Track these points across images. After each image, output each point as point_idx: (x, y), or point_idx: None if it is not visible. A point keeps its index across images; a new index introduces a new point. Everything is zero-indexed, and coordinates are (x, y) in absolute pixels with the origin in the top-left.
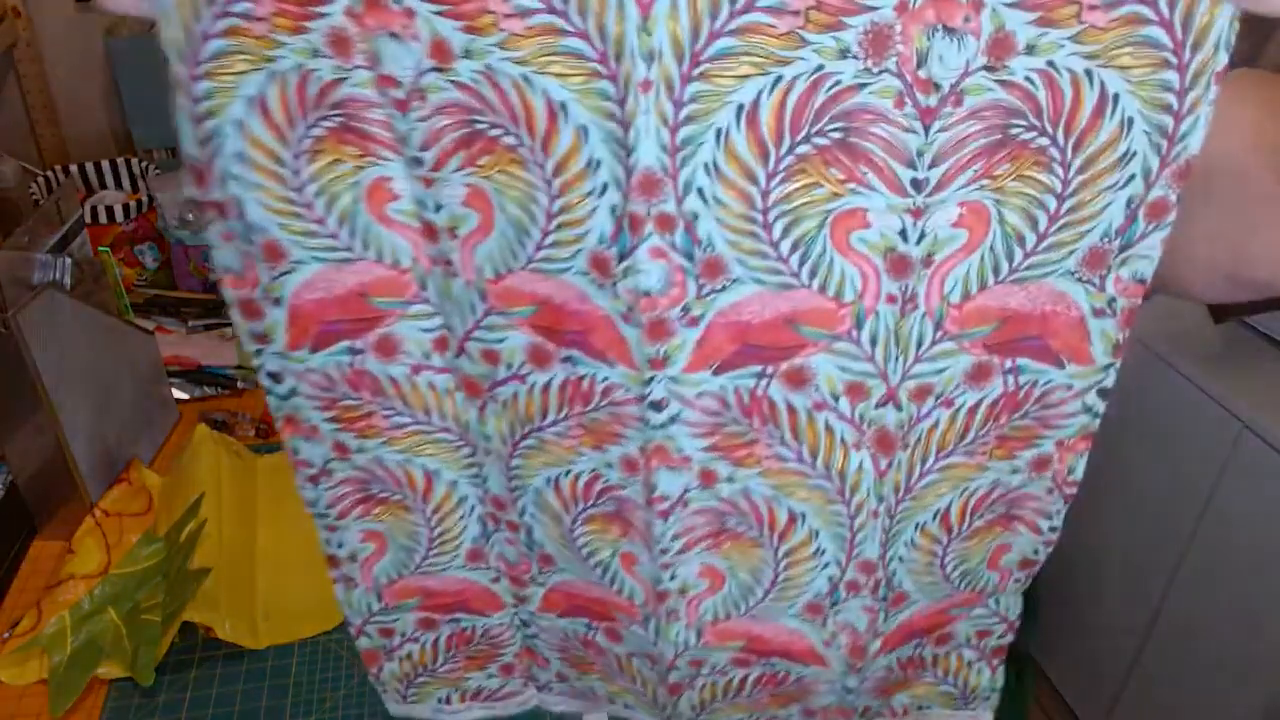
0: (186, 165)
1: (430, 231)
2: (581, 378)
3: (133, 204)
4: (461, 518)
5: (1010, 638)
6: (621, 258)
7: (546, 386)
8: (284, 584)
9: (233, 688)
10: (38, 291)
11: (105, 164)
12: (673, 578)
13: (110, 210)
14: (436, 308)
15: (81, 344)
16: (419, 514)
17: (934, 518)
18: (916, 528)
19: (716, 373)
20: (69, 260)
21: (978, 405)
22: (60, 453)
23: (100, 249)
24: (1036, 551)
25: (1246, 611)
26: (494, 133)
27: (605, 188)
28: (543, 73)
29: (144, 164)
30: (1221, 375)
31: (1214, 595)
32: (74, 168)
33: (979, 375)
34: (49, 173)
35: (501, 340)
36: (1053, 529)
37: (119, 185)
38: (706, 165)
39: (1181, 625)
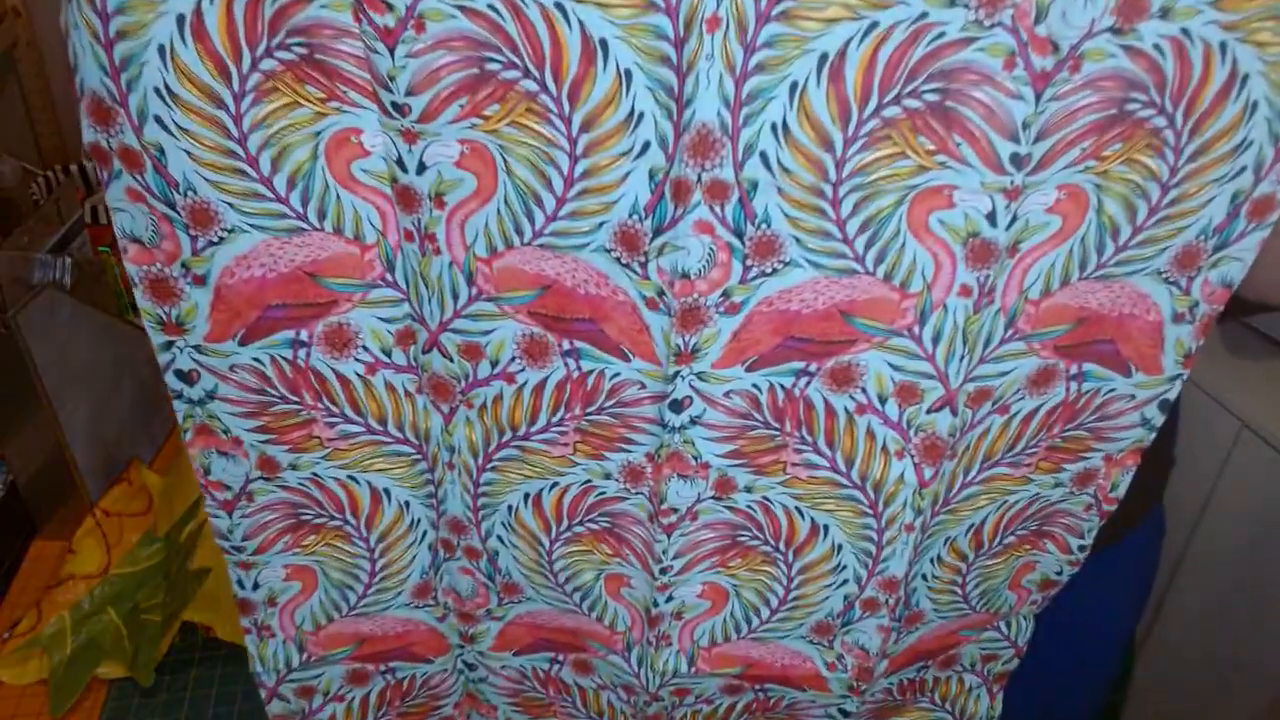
0: (85, 99)
1: (408, 198)
2: (586, 374)
3: None
4: (411, 544)
5: (1016, 663)
6: (658, 231)
7: (540, 386)
8: None
9: (233, 688)
10: (38, 291)
11: None
12: (669, 599)
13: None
14: (404, 293)
15: (81, 344)
16: (360, 543)
17: (966, 533)
18: (946, 543)
19: (751, 369)
20: (69, 260)
21: (1034, 413)
22: (60, 453)
23: (100, 249)
24: (1060, 572)
25: (1247, 611)
26: (509, 75)
27: (646, 147)
28: (583, 1)
29: None
30: (1221, 375)
31: (1214, 594)
32: (74, 168)
33: (1041, 380)
34: (49, 173)
35: (488, 332)
36: (1082, 548)
37: None
38: (775, 125)
39: (1182, 625)
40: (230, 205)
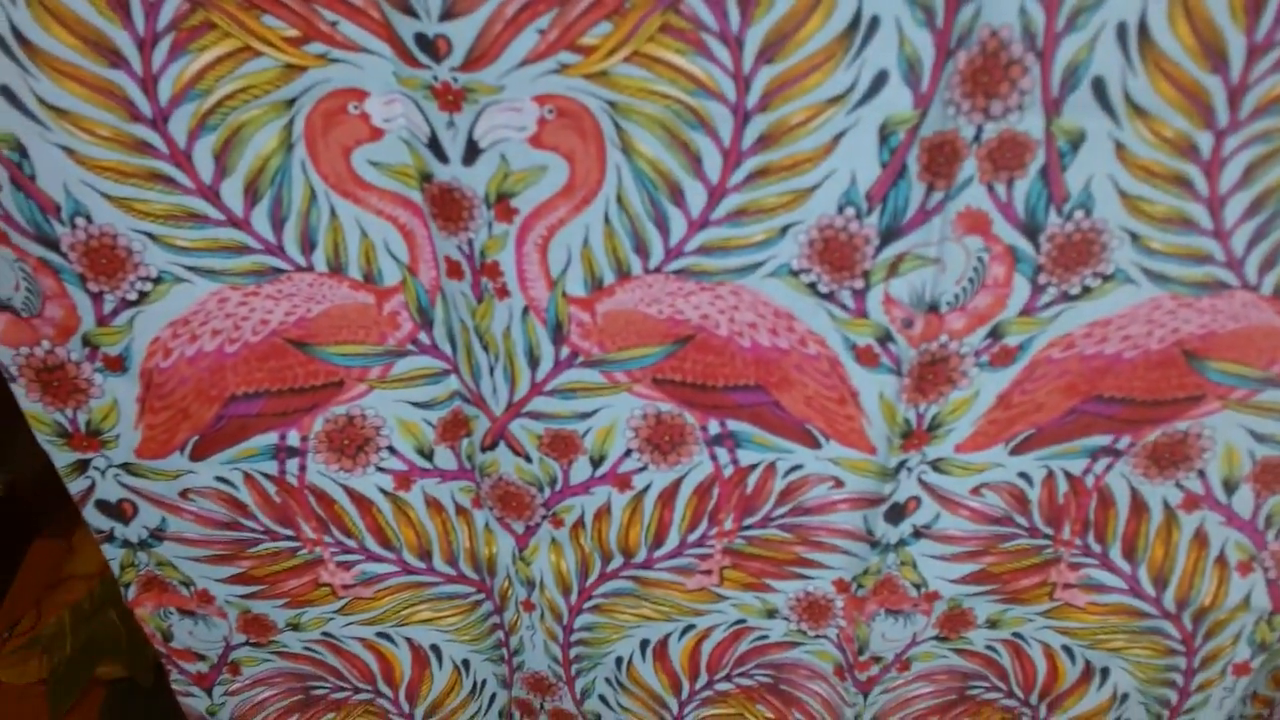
0: None
1: (450, 206)
2: (747, 470)
3: None
4: (475, 715)
5: None
6: (891, 235)
7: (670, 492)
8: None
9: None
10: None
11: None
12: None
13: None
14: (450, 361)
15: None
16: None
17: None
18: (1269, 675)
19: (1020, 450)
20: None
21: None
22: None
23: None
24: None
25: None
26: None
27: (880, 82)
28: None
29: None
30: None
31: None
32: None
33: None
34: None
35: (588, 415)
36: None
37: None
38: (1124, 27)
39: None
40: (150, 237)
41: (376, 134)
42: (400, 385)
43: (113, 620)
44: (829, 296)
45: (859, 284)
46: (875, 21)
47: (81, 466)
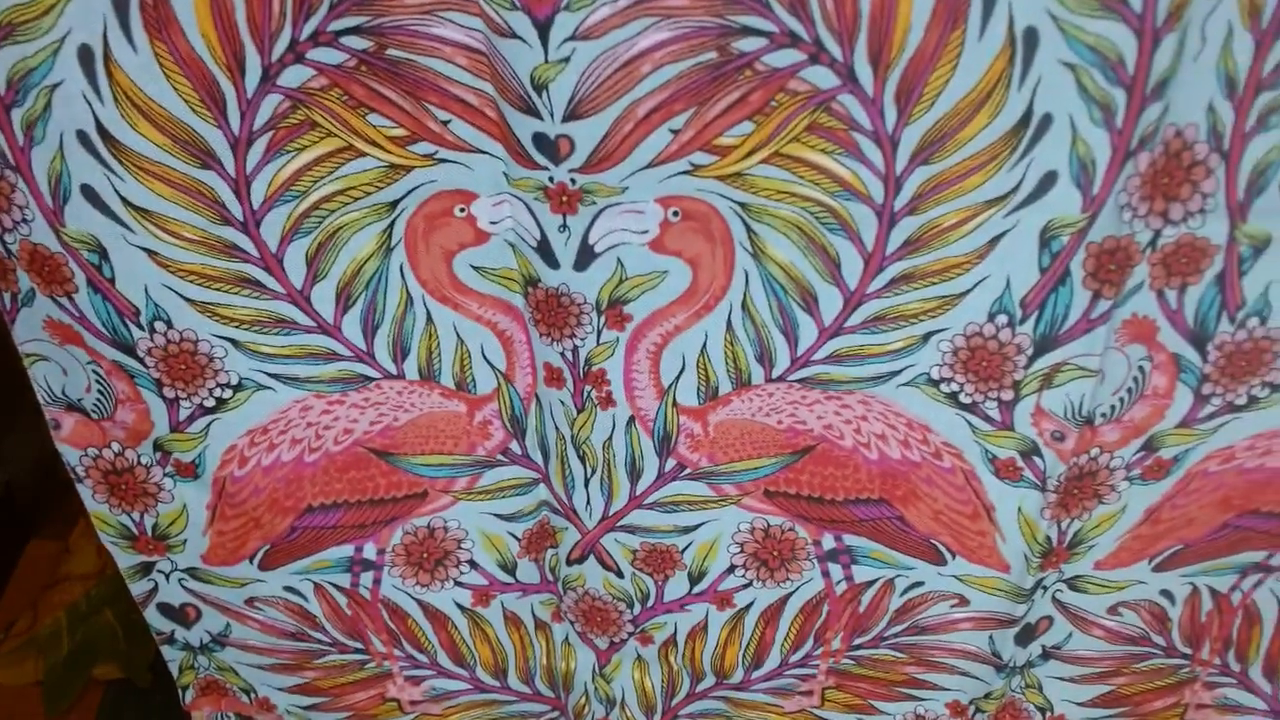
0: None
1: (555, 312)
2: (862, 587)
3: None
4: None
5: None
6: (1046, 344)
7: (776, 609)
8: None
9: None
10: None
11: None
12: None
13: None
14: (539, 470)
15: None
16: None
17: None
18: None
19: (1164, 566)
20: None
21: None
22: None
23: None
24: None
25: None
26: (777, 58)
27: (1048, 184)
28: None
29: None
30: None
31: None
32: None
33: None
34: None
35: (691, 529)
36: None
37: None
38: None
39: None
40: (233, 343)
41: (482, 237)
42: (486, 497)
43: (109, 621)
44: (971, 407)
45: (1007, 395)
46: (1047, 120)
47: (145, 569)
